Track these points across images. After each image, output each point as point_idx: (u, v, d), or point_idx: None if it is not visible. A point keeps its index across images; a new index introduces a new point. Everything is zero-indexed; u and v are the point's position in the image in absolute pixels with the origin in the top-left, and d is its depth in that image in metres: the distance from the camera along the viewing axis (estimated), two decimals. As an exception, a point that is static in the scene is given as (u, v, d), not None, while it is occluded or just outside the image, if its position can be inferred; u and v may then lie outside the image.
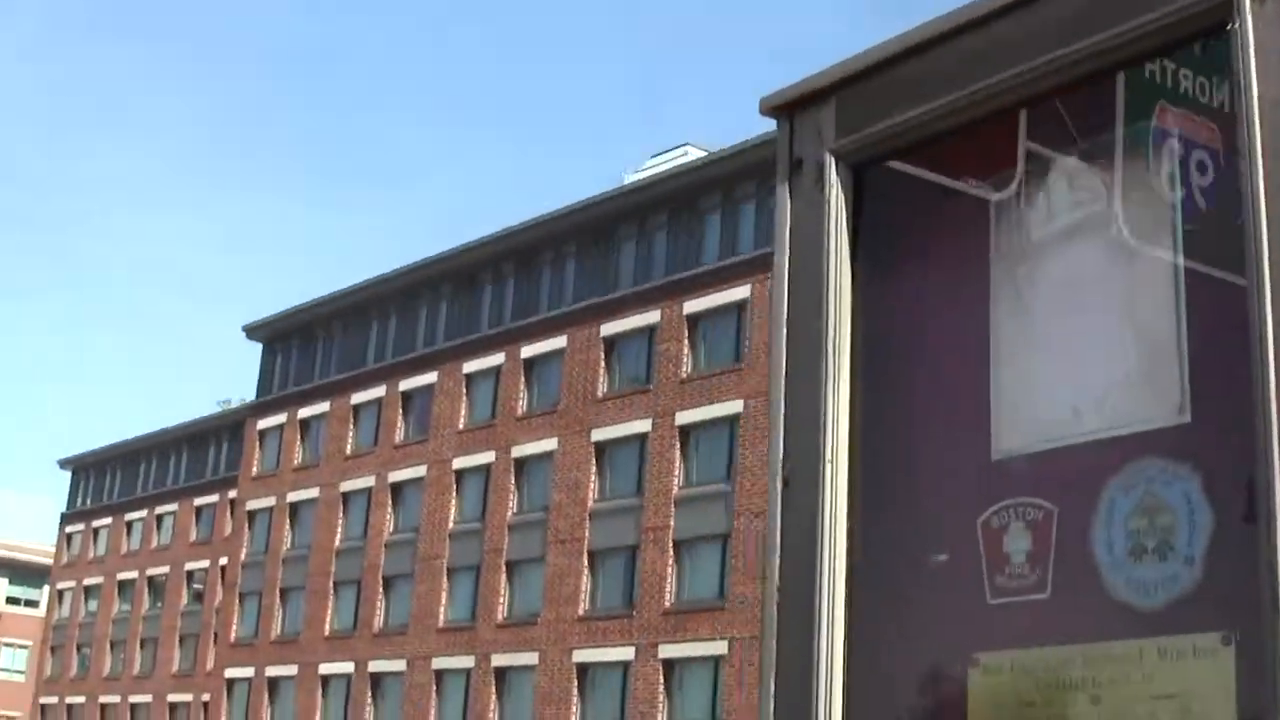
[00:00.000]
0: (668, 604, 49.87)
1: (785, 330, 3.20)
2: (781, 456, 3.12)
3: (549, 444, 55.73)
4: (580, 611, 53.07)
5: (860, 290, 3.12)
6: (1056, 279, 2.91)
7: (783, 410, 3.15)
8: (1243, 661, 2.47)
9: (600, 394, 54.62)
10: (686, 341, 51.68)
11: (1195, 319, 2.67)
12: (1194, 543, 2.58)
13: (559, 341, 56.34)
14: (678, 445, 51.08)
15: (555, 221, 57.84)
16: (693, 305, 51.59)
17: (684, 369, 51.60)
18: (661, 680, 49.01)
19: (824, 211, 3.17)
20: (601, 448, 53.97)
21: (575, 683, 52.12)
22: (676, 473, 50.90)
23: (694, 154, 57.78)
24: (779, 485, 3.10)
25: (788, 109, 3.32)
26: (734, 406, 48.72)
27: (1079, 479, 2.78)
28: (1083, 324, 2.85)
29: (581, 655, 52.16)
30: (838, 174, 3.18)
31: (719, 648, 46.69)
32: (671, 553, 50.17)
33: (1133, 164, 2.84)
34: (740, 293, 49.73)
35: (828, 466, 3.02)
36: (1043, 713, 2.72)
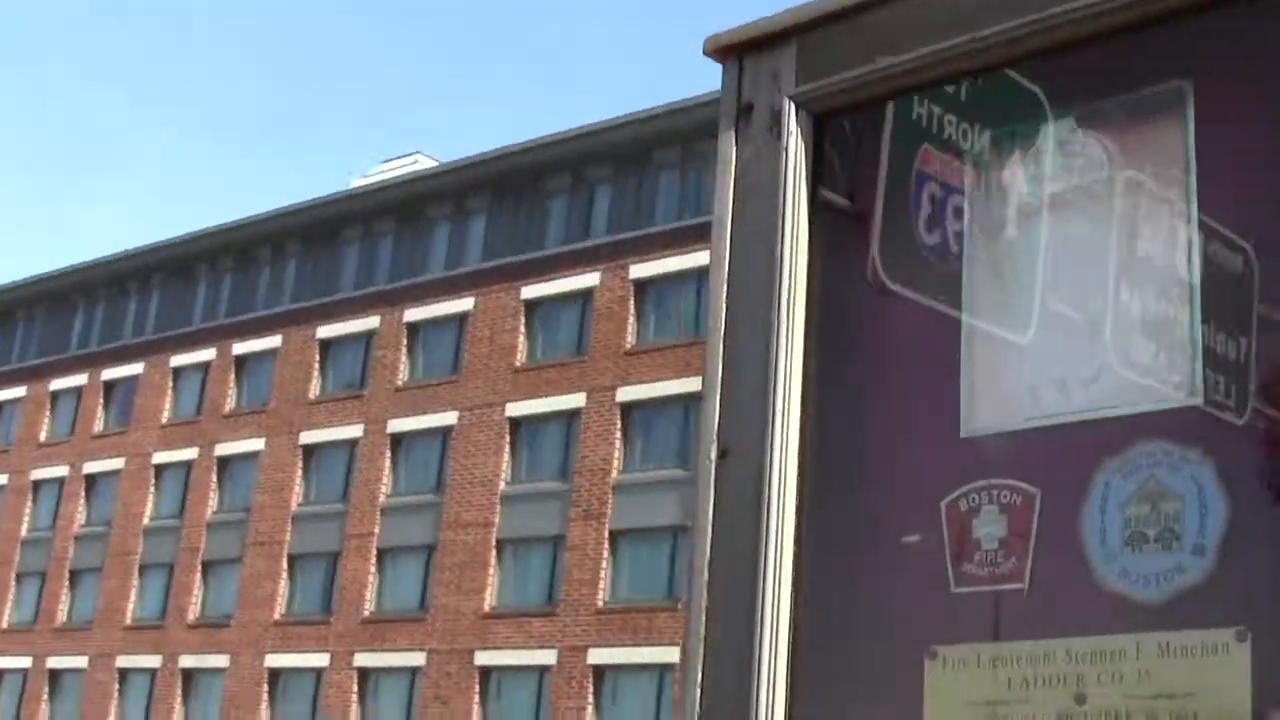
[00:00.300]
0: (367, 612, 48.92)
1: (726, 287, 2.92)
2: (717, 425, 2.84)
3: (255, 444, 54.22)
4: (276, 615, 51.67)
5: (819, 248, 2.87)
6: (1043, 247, 2.70)
7: (720, 374, 2.86)
8: (1259, 659, 2.28)
9: (312, 396, 53.38)
10: (404, 349, 50.82)
11: (1209, 295, 2.49)
12: (1205, 532, 2.39)
13: (273, 341, 54.89)
14: (388, 453, 50.20)
15: (277, 220, 56.42)
16: (414, 313, 50.77)
17: (400, 377, 50.76)
18: (355, 689, 48.02)
19: (780, 162, 2.90)
20: (310, 451, 52.72)
21: (266, 688, 50.67)
22: (385, 480, 49.98)
23: (425, 162, 57.07)
24: (712, 456, 2.82)
25: (737, 50, 3.05)
26: (448, 418, 48.04)
27: (1067, 461, 2.58)
28: (1072, 296, 2.64)
29: (274, 660, 50.75)
30: (797, 122, 2.91)
31: (417, 659, 45.97)
32: (374, 561, 49.25)
33: (1139, 126, 2.65)
34: (464, 304, 49.07)
35: (777, 437, 2.75)
36: (1018, 710, 2.50)
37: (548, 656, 40.87)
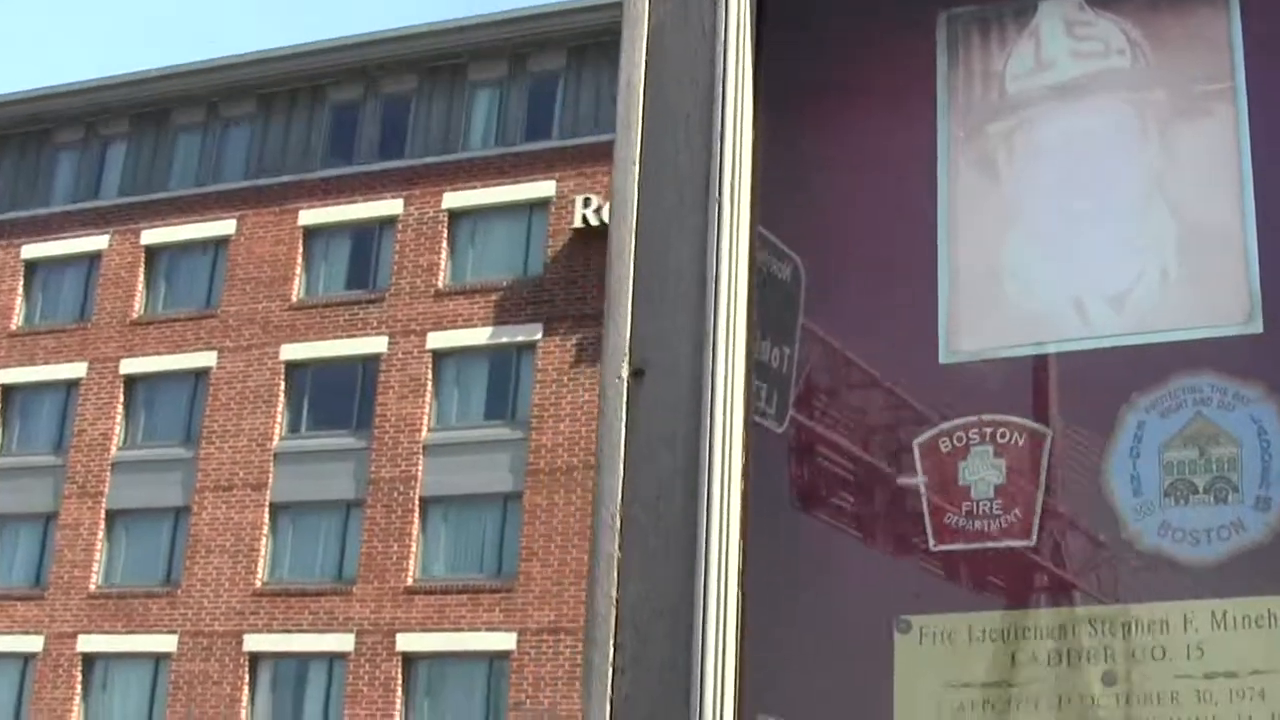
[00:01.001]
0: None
1: (638, 176, 2.36)
2: (628, 339, 2.28)
3: None
4: None
5: (762, 135, 2.35)
6: (1050, 144, 2.28)
7: (631, 279, 2.31)
8: (1345, 634, 1.92)
9: None
10: (21, 292, 44.86)
11: (1267, 204, 2.12)
12: (1270, 482, 2.01)
13: None
14: (-2, 408, 44.35)
15: None
16: (33, 251, 44.98)
17: (14, 322, 44.72)
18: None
19: (716, 32, 2.37)
20: None
21: None
22: (-7, 440, 44.05)
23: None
24: (623, 375, 2.26)
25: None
26: (74, 370, 42.69)
27: (1087, 395, 2.15)
28: (1092, 202, 2.23)
29: None
30: (737, -28, 2.39)
31: (33, 643, 40.95)
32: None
33: (1179, 7, 2.26)
34: (96, 243, 43.70)
35: (719, 356, 2.21)
36: (1023, 694, 2.06)
37: (33, 643, 37.85)
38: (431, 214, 32.08)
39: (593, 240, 29.44)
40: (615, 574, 2.17)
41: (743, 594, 2.15)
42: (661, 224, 2.30)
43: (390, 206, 32.79)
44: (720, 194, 2.26)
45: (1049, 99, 2.28)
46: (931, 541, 2.16)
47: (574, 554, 27.67)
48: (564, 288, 29.96)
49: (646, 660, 2.13)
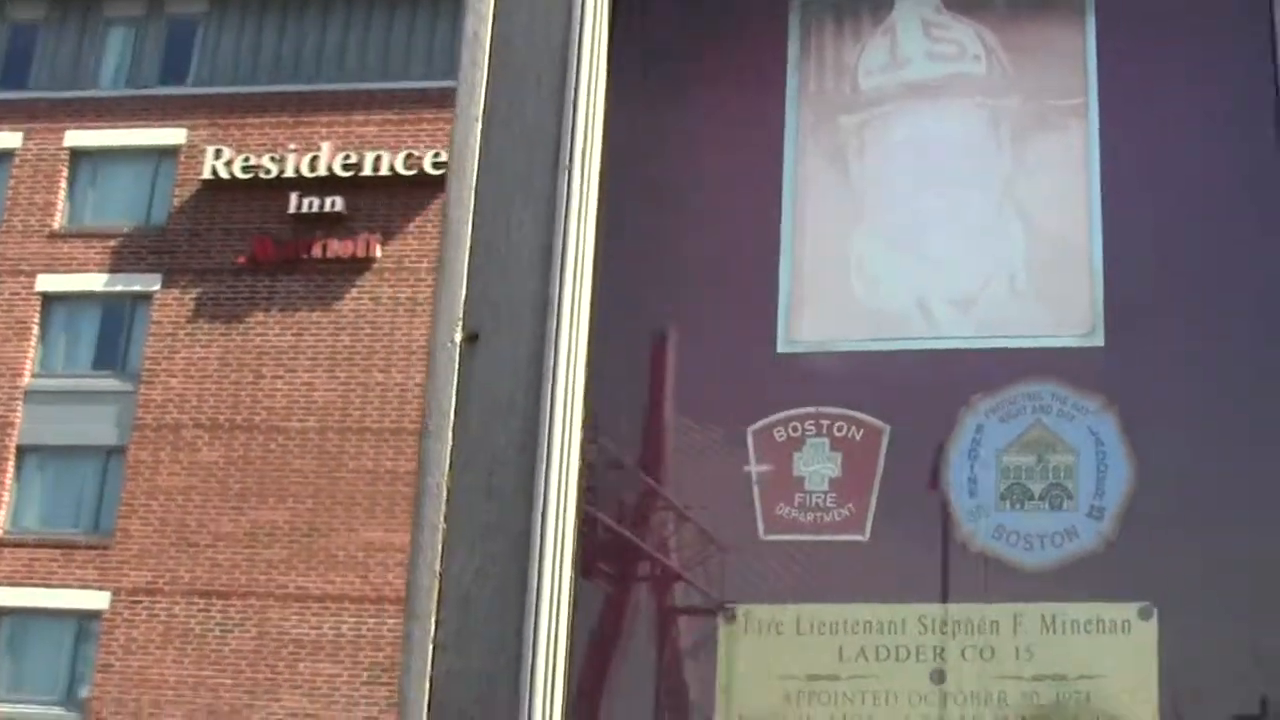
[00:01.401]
0: None
1: (480, 124, 2.26)
2: (463, 302, 2.18)
3: None
4: None
5: (614, 105, 2.28)
6: (902, 142, 2.28)
7: (468, 240, 2.21)
8: (1168, 640, 1.99)
9: None
10: None
11: (1113, 220, 2.18)
12: (1105, 493, 2.07)
13: None
14: None
15: None
16: None
17: None
18: None
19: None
20: None
21: None
22: None
23: None
24: (455, 339, 2.16)
25: None
26: None
27: (927, 395, 2.17)
28: (942, 204, 2.24)
29: None
30: (594, -67, 2.31)
31: None
32: None
33: (1038, 19, 2.30)
34: None
35: (564, 323, 2.14)
36: (851, 688, 2.06)
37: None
38: (52, 151, 30.30)
39: (221, 192, 28.36)
40: (440, 545, 2.06)
41: (575, 573, 2.07)
42: (506, 186, 2.20)
43: (8, 139, 30.80)
44: (571, 161, 2.18)
45: (903, 96, 2.28)
46: (761, 530, 2.13)
47: (176, 513, 26.64)
48: (187, 239, 28.74)
49: (471, 635, 2.03)
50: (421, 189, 26.53)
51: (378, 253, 26.08)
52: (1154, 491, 2.05)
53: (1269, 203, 2.09)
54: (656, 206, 2.28)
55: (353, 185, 26.47)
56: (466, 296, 2.17)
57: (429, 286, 25.89)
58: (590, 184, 2.20)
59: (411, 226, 26.57)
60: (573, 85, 2.22)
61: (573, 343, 2.13)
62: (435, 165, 26.29)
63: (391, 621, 24.34)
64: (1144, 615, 2.00)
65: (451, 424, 2.13)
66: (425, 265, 26.13)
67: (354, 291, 26.21)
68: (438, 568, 2.07)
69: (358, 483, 25.13)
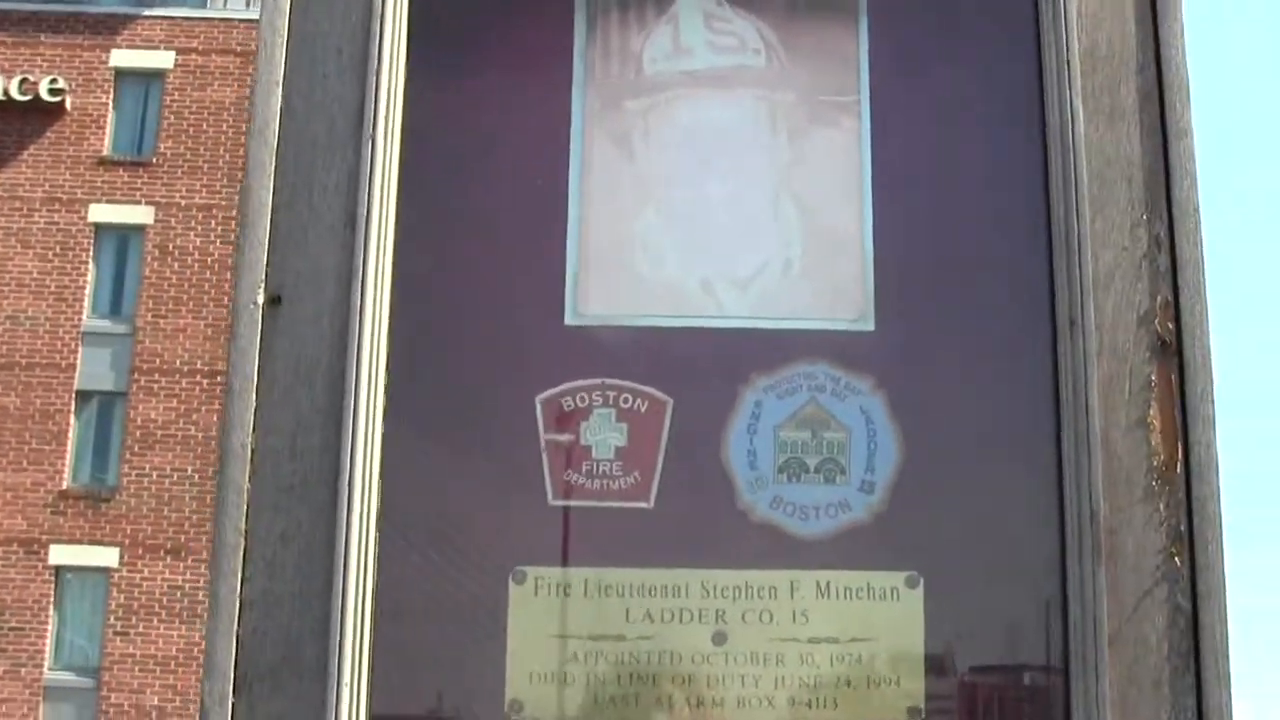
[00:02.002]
0: None
1: (281, 89, 2.27)
2: (264, 263, 2.20)
3: None
4: None
5: (413, 80, 2.33)
6: (685, 128, 2.39)
7: (270, 202, 2.23)
8: (933, 607, 2.18)
9: None
10: None
11: (883, 214, 2.34)
12: (875, 468, 2.24)
13: None
14: None
15: None
16: None
17: None
18: None
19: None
20: None
21: None
22: None
23: None
24: (258, 301, 2.18)
25: None
26: None
27: (710, 370, 2.29)
28: (723, 189, 2.37)
29: None
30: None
31: None
32: None
33: (814, 19, 2.43)
34: None
35: (368, 289, 2.18)
36: (636, 649, 2.18)
37: None
38: None
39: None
40: (245, 505, 2.08)
41: (380, 533, 2.12)
42: (307, 152, 2.22)
43: None
44: (374, 130, 2.21)
45: (685, 84, 2.38)
46: (550, 496, 2.22)
47: None
48: None
49: (277, 594, 2.06)
50: (37, 116, 25.29)
51: (-10, 180, 24.75)
52: (919, 468, 2.22)
53: (1025, 197, 2.28)
54: (454, 179, 2.32)
55: (-37, 108, 25.03)
56: (268, 260, 2.17)
57: (43, 217, 24.76)
58: (393, 154, 2.23)
59: (25, 155, 25.30)
60: (374, 56, 2.24)
61: (376, 309, 2.16)
62: (51, 92, 25.13)
63: (0, 564, 23.25)
64: (911, 583, 2.17)
65: (255, 385, 2.13)
66: (40, 195, 24.95)
67: (-37, 219, 24.82)
68: (243, 526, 2.08)
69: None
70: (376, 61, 2.24)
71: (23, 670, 23.00)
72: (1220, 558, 2.13)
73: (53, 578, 23.23)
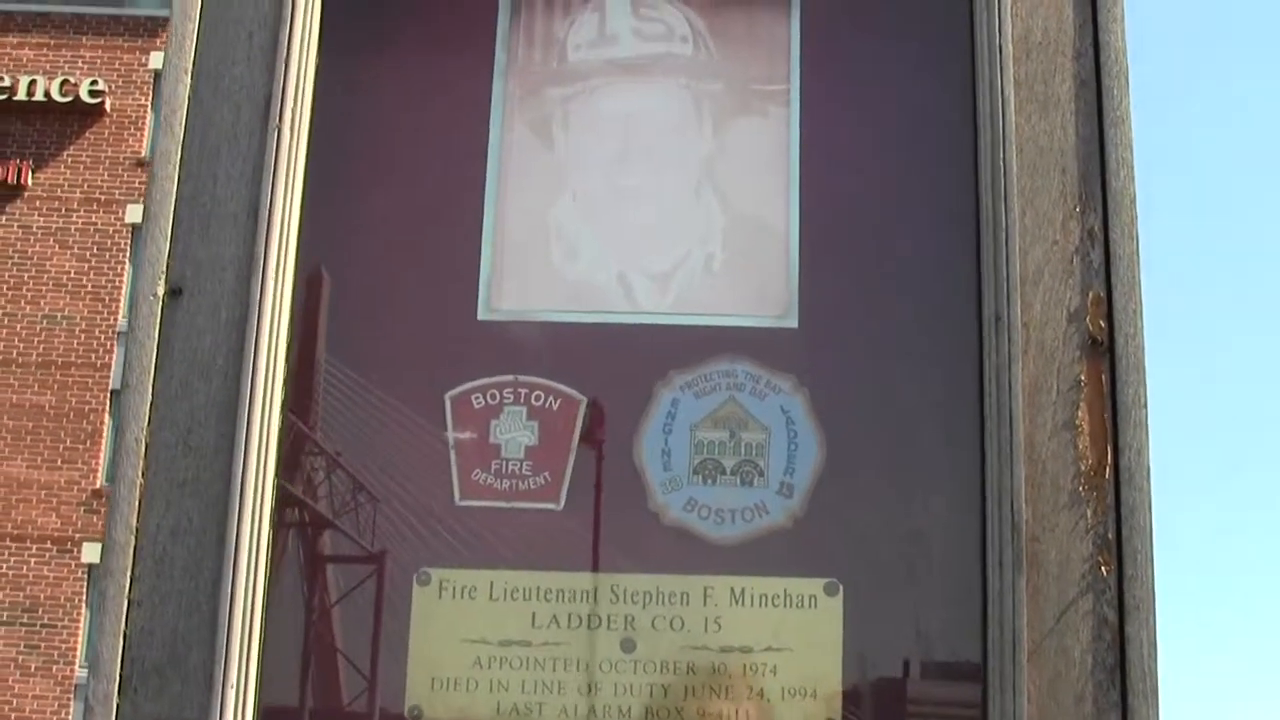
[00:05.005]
0: None
1: (189, 77, 2.20)
2: (166, 255, 2.13)
3: None
4: None
5: (325, 66, 2.25)
6: (606, 118, 2.32)
7: (175, 193, 2.16)
8: (852, 616, 2.09)
9: None
10: None
11: (810, 207, 2.25)
12: (795, 471, 2.15)
13: None
14: None
15: None
16: None
17: None
18: None
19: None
20: None
21: None
22: None
23: None
24: (158, 293, 2.11)
25: None
26: None
27: (624, 368, 2.21)
28: (642, 181, 2.28)
29: None
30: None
31: None
32: None
33: (745, 6, 2.35)
34: None
35: (268, 285, 2.11)
36: (543, 655, 2.10)
37: None
38: None
39: None
40: (137, 501, 2.01)
41: (274, 531, 2.05)
42: (213, 140, 2.15)
43: None
44: (280, 119, 2.14)
45: (609, 73, 2.30)
46: (457, 496, 2.14)
47: None
48: None
49: (166, 593, 1.99)
50: (76, 117, 25.43)
51: (29, 180, 24.89)
52: (840, 471, 2.13)
53: (955, 194, 2.19)
54: (364, 169, 2.25)
55: (5, 109, 25.18)
56: (170, 251, 2.11)
57: (81, 218, 24.89)
58: (299, 143, 2.16)
59: (65, 155, 25.45)
60: (285, 43, 2.17)
61: (277, 303, 2.09)
62: (91, 93, 25.26)
63: (34, 561, 23.41)
64: (830, 591, 2.09)
65: (152, 378, 2.07)
66: (78, 196, 25.10)
67: (2, 219, 24.97)
68: (134, 523, 2.01)
69: (1, 416, 24.03)
70: (286, 48, 2.17)
71: (54, 668, 23.13)
72: (1150, 568, 2.03)
73: (85, 576, 23.33)
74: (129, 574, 2.00)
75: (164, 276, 2.10)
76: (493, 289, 2.22)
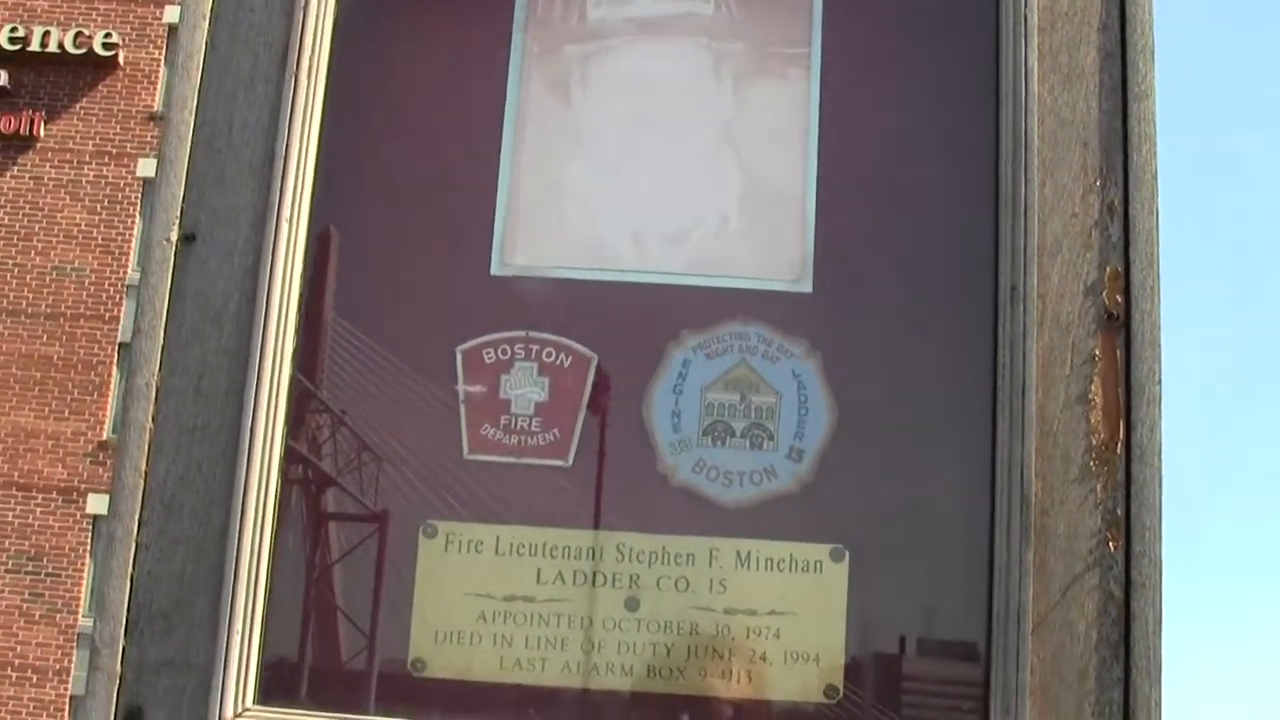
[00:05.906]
0: None
1: (207, 22, 2.19)
2: (181, 200, 2.13)
3: None
4: None
5: (344, 16, 2.24)
6: (625, 76, 2.30)
7: (190, 139, 2.15)
8: (857, 582, 2.09)
9: None
10: None
11: (827, 172, 2.24)
12: (805, 436, 2.14)
13: None
14: None
15: None
16: None
17: None
18: None
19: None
20: None
21: None
22: None
23: None
24: (172, 238, 2.10)
25: None
26: None
27: (637, 326, 2.20)
28: (660, 141, 2.27)
29: None
30: None
31: None
32: None
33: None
34: None
35: (282, 232, 2.11)
36: (546, 610, 2.09)
37: None
38: None
39: None
40: (147, 446, 2.01)
41: (283, 481, 2.04)
42: (229, 87, 2.14)
43: None
44: (298, 67, 2.13)
45: (629, 31, 2.29)
46: (466, 450, 2.14)
47: None
48: None
49: (174, 538, 1.99)
50: (90, 69, 25.39)
51: (41, 132, 24.86)
52: (850, 437, 2.12)
53: (976, 159, 2.17)
54: (380, 120, 2.24)
55: (18, 60, 25.13)
56: (184, 197, 2.10)
57: (93, 170, 24.88)
58: (316, 92, 2.15)
59: (77, 107, 25.42)
60: (299, -10, 2.16)
61: (290, 251, 2.08)
62: (105, 46, 25.21)
63: (39, 511, 23.47)
64: (835, 557, 2.08)
65: (164, 324, 2.06)
66: (90, 148, 25.08)
67: (14, 169, 24.95)
68: (143, 467, 2.01)
69: (10, 366, 24.05)
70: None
71: (58, 616, 23.22)
72: (1158, 545, 2.02)
73: (90, 526, 23.41)
74: (137, 518, 2.00)
75: (178, 222, 2.09)
76: (506, 244, 2.21)
